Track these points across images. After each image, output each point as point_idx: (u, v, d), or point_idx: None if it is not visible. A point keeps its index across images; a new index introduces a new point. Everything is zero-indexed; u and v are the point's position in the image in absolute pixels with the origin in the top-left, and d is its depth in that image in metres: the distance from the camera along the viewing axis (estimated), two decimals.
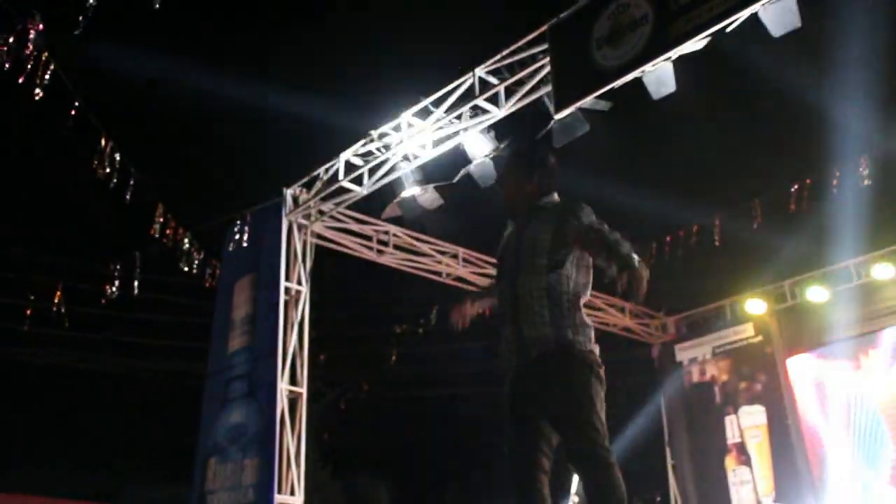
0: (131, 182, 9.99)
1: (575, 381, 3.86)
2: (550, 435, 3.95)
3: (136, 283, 11.75)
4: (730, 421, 13.44)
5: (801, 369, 12.90)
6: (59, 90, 8.97)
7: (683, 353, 14.35)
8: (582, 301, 4.08)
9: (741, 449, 13.20)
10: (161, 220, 10.64)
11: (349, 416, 20.33)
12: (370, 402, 20.53)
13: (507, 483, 3.97)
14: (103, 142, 9.80)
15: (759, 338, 13.39)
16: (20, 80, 8.47)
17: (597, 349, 4.01)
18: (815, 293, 12.77)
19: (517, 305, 3.99)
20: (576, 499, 10.36)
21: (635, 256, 3.85)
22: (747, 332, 13.56)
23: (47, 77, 8.64)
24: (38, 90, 8.68)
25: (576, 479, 10.43)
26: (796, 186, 11.19)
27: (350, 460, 21.30)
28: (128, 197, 10.02)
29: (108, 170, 9.84)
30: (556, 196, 4.29)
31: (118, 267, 11.86)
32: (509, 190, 4.32)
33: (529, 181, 4.24)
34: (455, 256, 12.06)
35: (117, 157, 9.88)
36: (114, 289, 11.79)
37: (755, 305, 13.43)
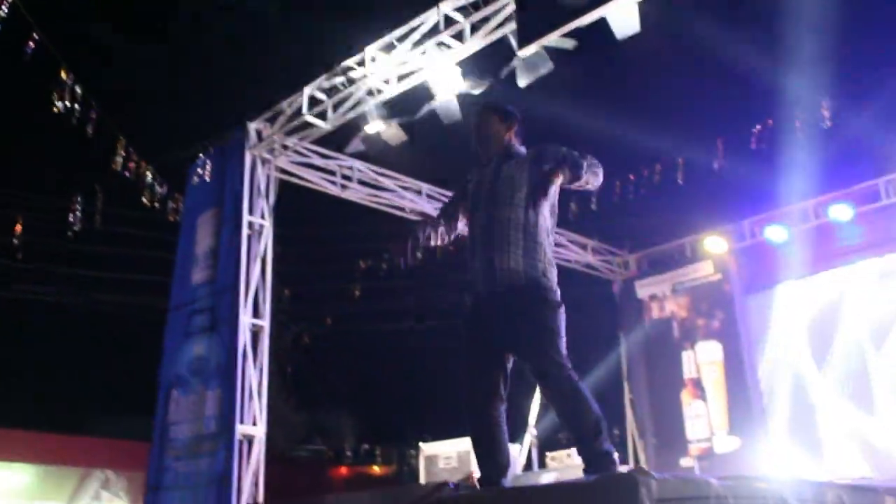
0: (92, 115, 9.90)
1: (542, 314, 4.00)
2: (508, 365, 4.09)
3: (97, 217, 11.71)
4: (687, 356, 13.69)
5: (757, 307, 13.14)
6: (17, 22, 8.83)
7: (644, 289, 14.54)
8: (551, 240, 4.24)
9: (697, 384, 13.47)
10: (123, 153, 10.58)
11: (313, 350, 20.47)
12: (334, 337, 20.66)
13: (463, 408, 4.09)
14: (63, 74, 9.69)
15: (718, 275, 13.59)
16: None
17: (558, 291, 4.14)
18: (774, 232, 12.96)
19: (492, 236, 4.12)
20: (534, 431, 10.56)
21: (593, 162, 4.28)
22: (706, 269, 13.75)
23: (4, 7, 8.50)
24: None
25: (533, 414, 10.62)
26: (758, 127, 11.28)
27: (313, 394, 21.51)
28: (89, 130, 9.94)
29: (68, 103, 9.74)
30: (523, 149, 4.47)
31: (79, 200, 11.80)
32: (486, 138, 4.47)
33: (507, 132, 4.45)
34: (419, 192, 12.10)
35: (78, 89, 9.78)
36: (76, 222, 11.73)
37: (715, 243, 13.60)
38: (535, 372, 3.98)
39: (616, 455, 3.79)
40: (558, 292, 4.14)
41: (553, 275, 4.16)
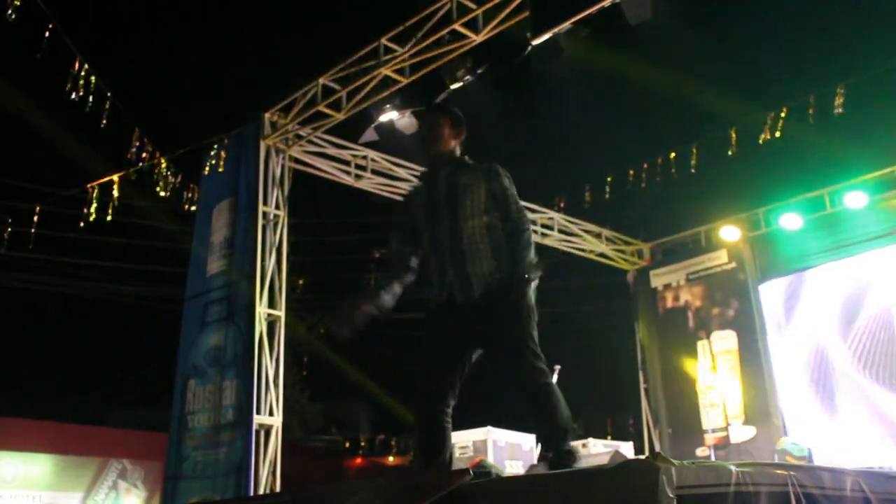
0: (107, 106, 9.93)
1: (514, 309, 4.02)
2: (467, 366, 4.16)
3: (114, 208, 11.74)
4: (702, 345, 13.68)
5: (772, 295, 13.11)
6: (32, 12, 8.86)
7: (658, 278, 14.53)
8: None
9: (712, 373, 13.44)
10: (137, 143, 10.61)
11: (328, 340, 20.50)
12: None
13: (418, 402, 4.13)
14: (77, 65, 9.72)
15: (733, 264, 13.56)
16: None
17: (535, 276, 4.15)
18: (789, 220, 12.92)
19: (460, 244, 4.15)
20: None
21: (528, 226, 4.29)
22: (721, 258, 13.73)
23: None
24: (10, 11, 8.57)
25: None
26: (772, 114, 11.22)
27: (329, 384, 21.56)
28: (103, 121, 9.98)
29: (82, 93, 9.77)
30: (467, 158, 4.54)
31: (95, 191, 11.83)
32: (432, 139, 4.50)
33: (453, 137, 4.51)
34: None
35: (93, 80, 9.81)
36: (92, 213, 11.76)
37: (729, 232, 13.57)
38: (507, 371, 4.01)
39: (577, 454, 3.83)
40: (532, 278, 4.13)
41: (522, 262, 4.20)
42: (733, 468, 2.85)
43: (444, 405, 4.08)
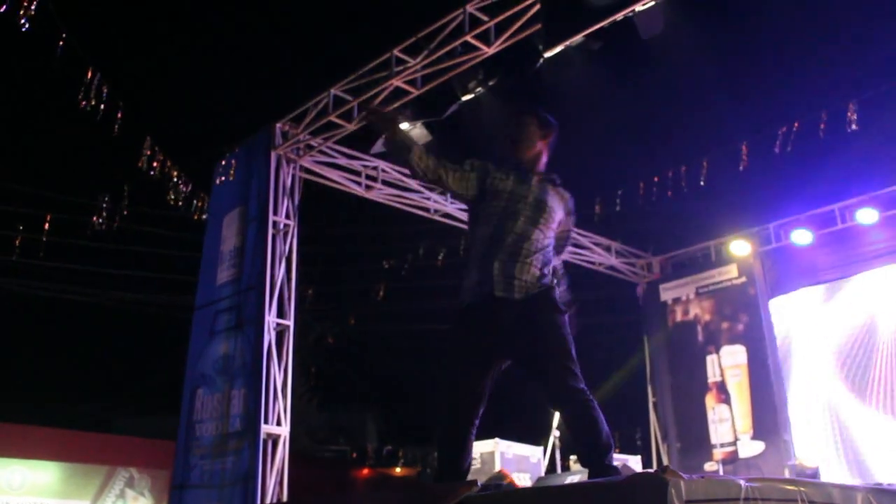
0: (119, 115, 9.98)
1: (557, 323, 4.00)
2: (497, 373, 4.10)
3: (124, 216, 11.79)
4: (711, 360, 13.65)
5: (782, 310, 13.07)
6: (45, 21, 8.90)
7: (668, 292, 14.51)
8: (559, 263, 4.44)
9: (721, 387, 13.42)
10: (149, 152, 10.65)
11: (337, 350, 20.52)
12: (357, 337, 20.70)
13: (445, 408, 4.06)
14: (90, 74, 9.76)
15: (743, 279, 13.54)
16: (2, 9, 8.40)
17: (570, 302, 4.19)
18: (800, 236, 12.89)
19: (515, 249, 4.09)
20: (556, 433, 10.51)
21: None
22: (731, 272, 13.71)
23: (33, 7, 8.57)
24: (24, 21, 8.62)
25: (556, 416, 10.58)
26: (783, 129, 11.20)
27: (337, 394, 21.55)
28: (115, 129, 10.02)
29: (94, 102, 9.82)
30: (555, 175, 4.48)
31: (106, 199, 11.88)
32: (520, 142, 4.40)
33: (541, 140, 4.41)
34: (443, 193, 12.09)
35: (104, 89, 9.86)
36: (102, 221, 11.81)
37: (739, 247, 13.55)
38: (551, 386, 3.95)
39: (619, 470, 3.78)
40: (569, 301, 4.20)
41: (563, 288, 4.32)
42: (743, 483, 2.84)
43: (473, 418, 4.01)
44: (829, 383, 12.26)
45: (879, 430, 11.55)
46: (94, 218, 11.98)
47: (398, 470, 22.97)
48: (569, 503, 2.79)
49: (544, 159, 4.44)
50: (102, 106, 9.86)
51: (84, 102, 9.78)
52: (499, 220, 4.20)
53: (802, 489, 3.08)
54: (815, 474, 10.29)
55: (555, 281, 4.18)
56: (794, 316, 12.93)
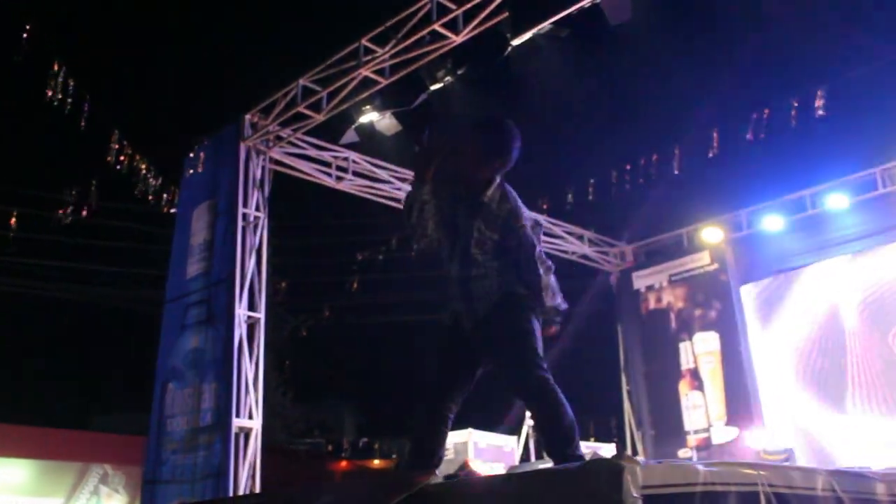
0: (86, 108, 9.88)
1: (514, 313, 3.96)
2: (476, 376, 4.10)
3: (92, 211, 11.69)
4: (684, 347, 13.69)
5: (754, 296, 13.13)
6: (10, 14, 8.81)
7: (641, 280, 14.54)
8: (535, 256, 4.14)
9: (695, 374, 13.47)
10: (116, 146, 10.55)
11: (311, 343, 20.44)
12: (332, 330, 20.63)
13: (425, 402, 4.06)
14: (56, 66, 9.66)
15: (715, 265, 13.58)
16: None
17: (549, 296, 4.08)
18: (771, 222, 12.94)
19: (469, 274, 4.04)
20: (530, 422, 10.53)
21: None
22: (703, 259, 13.74)
23: None
24: None
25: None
26: (754, 116, 11.24)
27: (312, 387, 21.49)
28: (82, 123, 9.92)
29: (61, 95, 9.72)
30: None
31: (74, 194, 11.77)
32: (464, 166, 4.07)
33: (488, 168, 4.06)
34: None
35: (71, 82, 9.76)
36: (70, 216, 11.71)
37: (711, 234, 13.59)
38: (511, 377, 3.94)
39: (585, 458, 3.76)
40: (540, 297, 4.05)
41: (534, 283, 4.06)
42: (701, 468, 2.82)
43: (448, 408, 4.03)
44: (794, 369, 12.34)
45: (845, 417, 11.64)
46: (62, 212, 11.86)
47: (375, 462, 22.95)
48: (526, 491, 2.76)
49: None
50: (69, 99, 9.77)
51: (51, 94, 9.68)
52: (445, 249, 4.17)
53: (763, 473, 3.07)
54: (790, 458, 10.36)
55: (530, 275, 4.05)
56: (765, 301, 12.98)
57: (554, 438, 3.80)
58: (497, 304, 3.99)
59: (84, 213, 11.58)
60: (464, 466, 6.66)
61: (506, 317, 3.96)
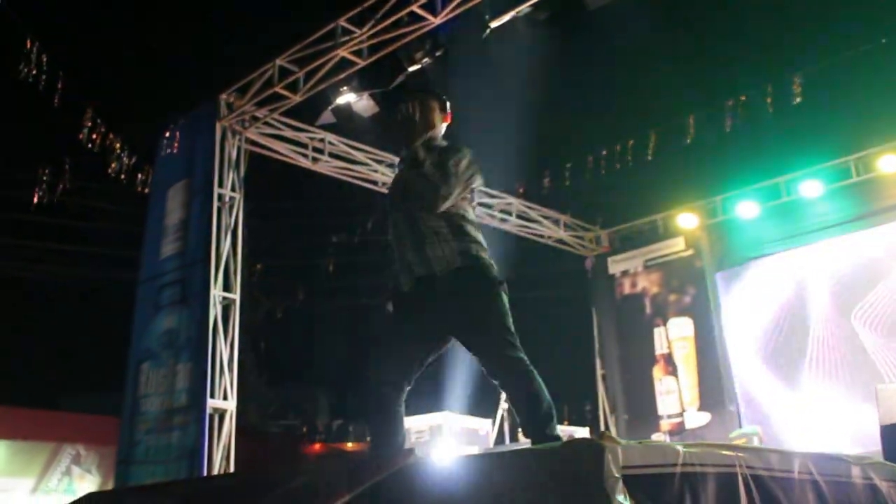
0: (59, 85, 9.76)
1: (486, 294, 3.94)
2: (430, 354, 4.06)
3: (66, 190, 11.59)
4: (658, 332, 13.77)
5: (728, 282, 13.20)
6: None
7: (616, 265, 14.60)
8: (473, 218, 4.18)
9: (668, 359, 13.55)
10: (90, 124, 10.44)
11: (286, 325, 20.39)
12: (306, 312, 20.59)
13: (372, 386, 4.04)
14: (29, 43, 9.54)
15: (690, 251, 13.65)
16: None
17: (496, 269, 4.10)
18: (745, 209, 13.01)
19: (418, 230, 4.05)
20: (505, 405, 10.55)
21: (446, 187, 3.98)
22: (678, 245, 13.81)
23: None
24: None
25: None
26: (730, 103, 11.28)
27: (287, 369, 21.46)
28: (56, 100, 9.81)
29: (34, 71, 9.60)
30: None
31: (48, 172, 11.65)
32: (416, 123, 4.23)
33: (441, 121, 4.30)
34: (391, 165, 12.00)
35: (44, 58, 9.64)
36: (43, 195, 11.59)
37: (687, 220, 13.66)
38: (487, 360, 3.91)
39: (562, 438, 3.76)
40: (496, 267, 4.07)
41: (486, 251, 4.10)
42: (681, 448, 2.83)
43: (401, 392, 4.01)
44: (759, 352, 12.45)
45: (814, 401, 11.76)
46: (35, 191, 11.74)
47: (350, 445, 22.93)
48: (507, 469, 2.76)
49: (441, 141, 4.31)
50: (43, 76, 9.65)
51: (25, 69, 9.56)
52: (391, 214, 4.20)
53: (741, 455, 3.09)
54: (751, 441, 10.44)
55: (479, 246, 4.06)
56: (738, 287, 13.06)
57: (533, 419, 3.80)
58: (460, 275, 3.96)
59: (57, 193, 11.46)
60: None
61: (478, 291, 3.94)
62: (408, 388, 4.05)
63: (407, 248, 4.07)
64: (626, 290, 14.39)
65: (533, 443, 3.76)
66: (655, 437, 13.06)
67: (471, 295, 3.93)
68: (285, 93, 10.15)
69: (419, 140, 4.19)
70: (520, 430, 10.39)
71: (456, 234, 4.02)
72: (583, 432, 11.09)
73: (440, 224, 4.02)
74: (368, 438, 4.08)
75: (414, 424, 10.92)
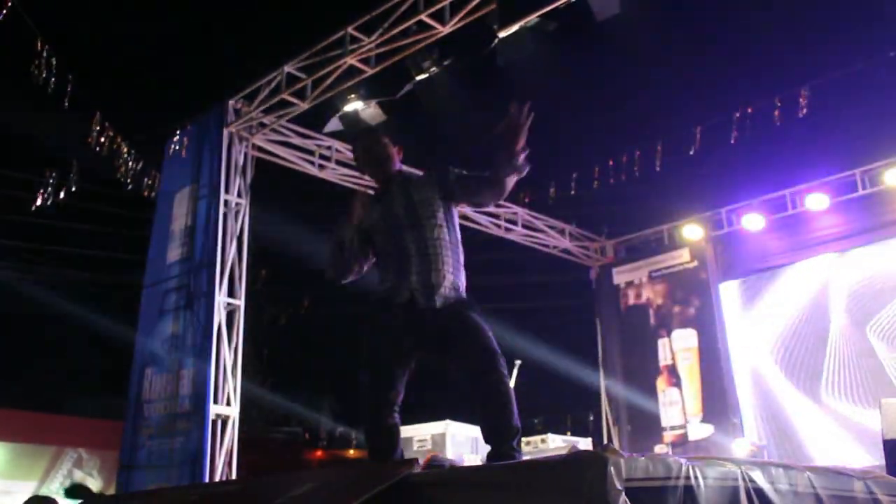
0: (69, 88, 9.80)
1: (472, 318, 4.13)
2: (412, 367, 4.23)
3: (73, 193, 11.61)
4: (662, 343, 13.75)
5: (733, 294, 13.19)
6: None
7: (621, 276, 14.60)
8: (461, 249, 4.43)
9: (672, 371, 13.53)
10: (98, 128, 10.47)
11: (290, 332, 20.39)
12: (312, 319, 20.58)
13: (368, 410, 4.18)
14: (39, 45, 9.57)
15: (695, 263, 13.65)
16: None
17: None
18: (751, 221, 13.01)
19: (426, 255, 4.21)
20: None
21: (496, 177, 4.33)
22: (683, 257, 13.81)
23: None
24: None
25: None
26: (736, 115, 11.28)
27: (290, 376, 21.44)
28: (66, 103, 9.84)
29: (44, 75, 9.63)
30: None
31: (54, 176, 11.68)
32: (382, 160, 4.51)
33: (398, 154, 4.56)
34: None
35: (54, 61, 9.67)
36: (49, 197, 11.62)
37: (692, 231, 13.66)
38: (472, 372, 4.02)
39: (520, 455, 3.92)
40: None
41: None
42: (684, 462, 2.84)
43: (394, 412, 4.14)
44: (772, 368, 12.42)
45: (823, 414, 11.72)
46: (43, 193, 11.76)
47: (352, 452, 22.91)
48: (509, 480, 2.77)
49: (410, 171, 4.66)
50: (53, 79, 9.68)
51: (35, 74, 9.59)
52: (392, 239, 4.34)
53: (744, 468, 3.09)
54: (759, 455, 10.42)
55: (462, 275, 4.31)
56: (743, 299, 13.05)
57: (502, 435, 3.89)
58: (455, 303, 4.18)
59: (65, 195, 11.48)
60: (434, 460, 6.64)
61: (466, 318, 4.13)
62: (400, 400, 4.15)
63: (410, 268, 4.21)
64: (631, 300, 14.39)
65: (490, 453, 3.87)
66: (658, 448, 13.04)
67: (463, 318, 4.11)
68: (293, 100, 10.18)
69: (393, 170, 4.50)
70: (524, 438, 10.39)
71: (455, 266, 4.28)
72: (585, 443, 11.08)
73: (447, 253, 4.25)
74: (369, 455, 4.17)
75: (417, 433, 10.91)
